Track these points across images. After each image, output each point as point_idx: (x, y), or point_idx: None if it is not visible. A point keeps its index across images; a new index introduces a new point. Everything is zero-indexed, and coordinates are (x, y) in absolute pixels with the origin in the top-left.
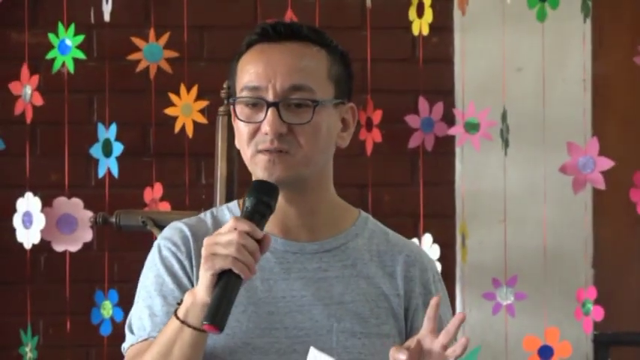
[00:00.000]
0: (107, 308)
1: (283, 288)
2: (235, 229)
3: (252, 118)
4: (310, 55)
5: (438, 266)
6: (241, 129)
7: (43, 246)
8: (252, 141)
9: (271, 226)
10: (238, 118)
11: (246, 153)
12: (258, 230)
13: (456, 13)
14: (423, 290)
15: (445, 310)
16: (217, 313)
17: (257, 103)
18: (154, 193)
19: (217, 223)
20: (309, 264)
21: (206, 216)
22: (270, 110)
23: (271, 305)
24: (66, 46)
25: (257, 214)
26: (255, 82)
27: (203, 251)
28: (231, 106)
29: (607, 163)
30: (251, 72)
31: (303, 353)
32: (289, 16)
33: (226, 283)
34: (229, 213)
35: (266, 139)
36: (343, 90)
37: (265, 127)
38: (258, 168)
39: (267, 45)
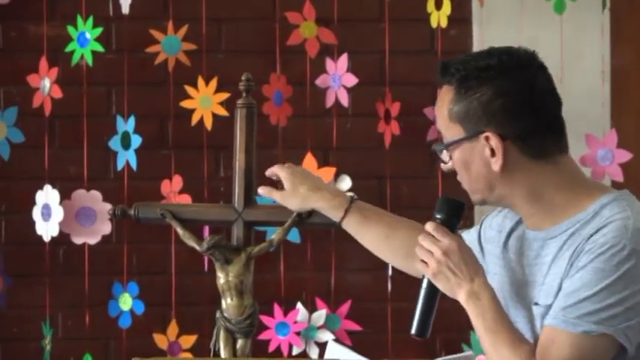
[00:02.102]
0: (126, 300)
1: (513, 267)
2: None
3: None
4: (441, 98)
5: None
6: None
7: (62, 238)
8: None
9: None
10: None
11: None
12: None
13: (475, 5)
14: (575, 256)
15: (576, 278)
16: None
17: None
18: (173, 185)
19: None
20: (531, 250)
21: None
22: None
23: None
24: (85, 39)
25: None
26: None
27: None
28: None
29: (625, 156)
30: None
31: None
32: (307, 8)
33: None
34: None
35: None
36: (474, 123)
37: None
38: None
39: None
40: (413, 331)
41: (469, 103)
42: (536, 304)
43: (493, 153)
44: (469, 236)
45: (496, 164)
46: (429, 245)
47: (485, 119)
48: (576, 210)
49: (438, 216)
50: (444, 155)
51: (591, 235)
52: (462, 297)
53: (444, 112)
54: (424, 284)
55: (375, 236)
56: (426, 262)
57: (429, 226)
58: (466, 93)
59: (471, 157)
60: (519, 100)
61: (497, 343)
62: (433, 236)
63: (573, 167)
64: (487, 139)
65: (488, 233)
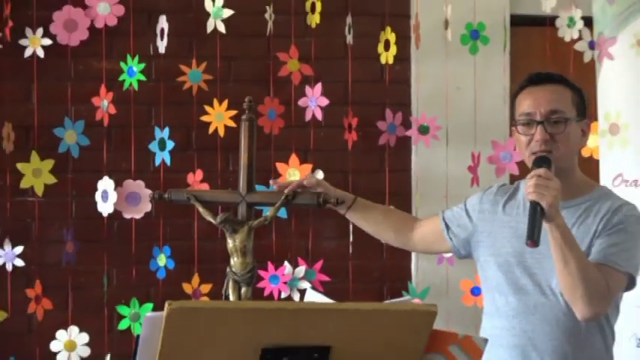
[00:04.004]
0: (162, 259)
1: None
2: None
3: (527, 132)
4: (560, 91)
5: None
6: (521, 139)
7: (116, 215)
8: (528, 147)
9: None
10: (518, 132)
11: (525, 154)
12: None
13: (413, 47)
14: (604, 223)
15: (614, 239)
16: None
17: (530, 123)
18: (195, 177)
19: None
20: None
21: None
22: (539, 126)
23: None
24: (132, 71)
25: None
26: (528, 110)
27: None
28: (514, 126)
29: (520, 156)
30: (525, 104)
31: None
32: (292, 50)
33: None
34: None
35: (536, 145)
36: (581, 112)
37: (536, 136)
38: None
39: (533, 87)
40: (528, 239)
41: (580, 99)
42: None
43: (583, 133)
44: (456, 210)
45: (585, 142)
46: (546, 182)
47: (584, 112)
48: (587, 190)
49: (544, 166)
50: (561, 125)
51: (616, 209)
52: (560, 221)
53: (569, 99)
54: (532, 209)
55: (374, 218)
56: (540, 194)
57: (544, 172)
58: (574, 92)
59: (574, 134)
60: None
61: (586, 268)
62: (545, 178)
63: None
64: (587, 124)
65: (479, 207)
